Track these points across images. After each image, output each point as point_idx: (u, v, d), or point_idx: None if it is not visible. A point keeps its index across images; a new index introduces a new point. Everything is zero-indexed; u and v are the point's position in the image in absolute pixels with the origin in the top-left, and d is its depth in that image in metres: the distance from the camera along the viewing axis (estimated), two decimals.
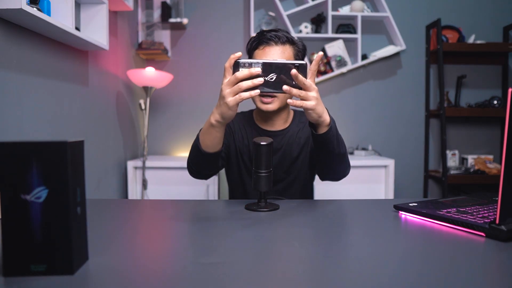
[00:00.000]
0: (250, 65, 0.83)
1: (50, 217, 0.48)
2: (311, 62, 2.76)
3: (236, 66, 0.83)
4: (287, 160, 1.22)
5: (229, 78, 0.84)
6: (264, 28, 2.61)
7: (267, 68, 0.82)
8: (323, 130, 0.94)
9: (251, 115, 1.29)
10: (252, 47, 1.17)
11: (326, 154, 1.00)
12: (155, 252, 0.62)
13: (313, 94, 0.84)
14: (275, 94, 1.13)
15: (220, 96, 0.88)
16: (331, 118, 0.95)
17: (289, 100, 0.85)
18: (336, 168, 1.06)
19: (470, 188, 2.94)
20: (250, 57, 1.19)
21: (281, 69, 0.82)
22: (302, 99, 0.85)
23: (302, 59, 1.19)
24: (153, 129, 2.84)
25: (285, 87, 0.82)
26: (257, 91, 0.83)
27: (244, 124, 1.26)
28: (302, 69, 0.83)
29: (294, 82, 0.83)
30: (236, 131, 1.25)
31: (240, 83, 0.83)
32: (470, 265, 0.55)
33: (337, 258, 0.59)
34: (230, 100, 0.85)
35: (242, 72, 0.82)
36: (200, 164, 1.08)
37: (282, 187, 1.23)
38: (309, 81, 0.83)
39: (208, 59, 2.83)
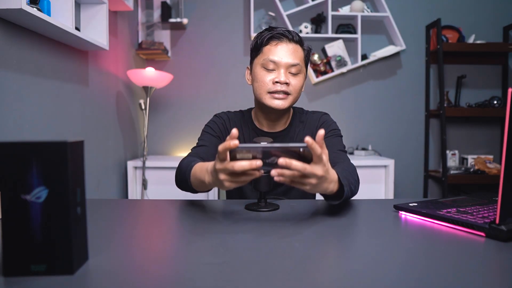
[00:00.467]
0: (249, 151, 0.71)
1: (50, 217, 0.48)
2: (312, 63, 2.76)
3: (233, 150, 0.71)
4: None
5: (225, 164, 0.72)
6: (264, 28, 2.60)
7: (268, 152, 0.70)
8: (331, 197, 0.86)
9: (250, 115, 1.22)
10: (262, 42, 1.09)
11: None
12: (155, 252, 0.62)
13: (310, 181, 0.72)
14: (288, 91, 1.07)
15: (215, 174, 0.76)
16: (344, 182, 0.83)
17: (276, 178, 0.71)
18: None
19: (470, 188, 2.94)
20: (258, 53, 1.10)
21: (283, 153, 0.70)
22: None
23: (307, 63, 1.16)
24: (153, 129, 2.83)
25: (273, 171, 0.70)
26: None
27: (241, 125, 1.20)
28: (309, 152, 0.70)
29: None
30: None
31: (240, 179, 0.73)
32: (470, 265, 0.55)
33: (337, 258, 0.59)
34: (227, 185, 0.75)
35: (241, 165, 0.70)
36: (187, 190, 1.04)
37: (282, 190, 1.20)
38: (309, 168, 0.69)
39: (208, 59, 2.83)
